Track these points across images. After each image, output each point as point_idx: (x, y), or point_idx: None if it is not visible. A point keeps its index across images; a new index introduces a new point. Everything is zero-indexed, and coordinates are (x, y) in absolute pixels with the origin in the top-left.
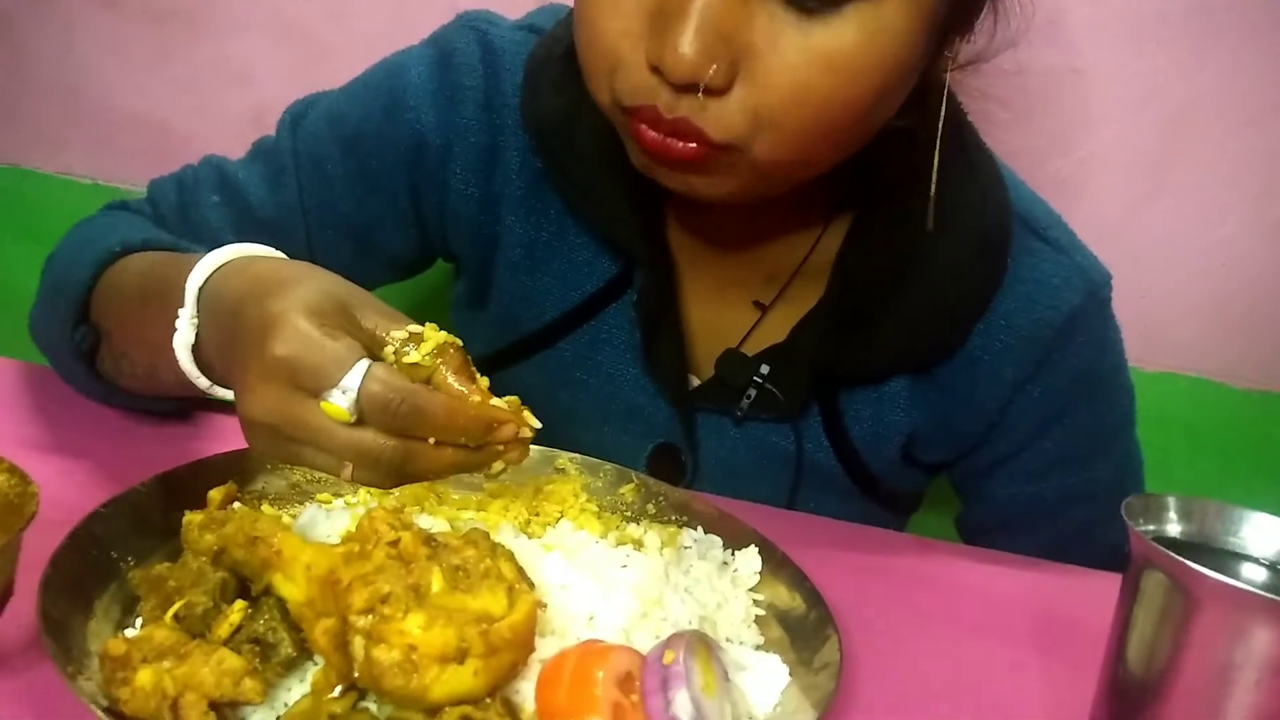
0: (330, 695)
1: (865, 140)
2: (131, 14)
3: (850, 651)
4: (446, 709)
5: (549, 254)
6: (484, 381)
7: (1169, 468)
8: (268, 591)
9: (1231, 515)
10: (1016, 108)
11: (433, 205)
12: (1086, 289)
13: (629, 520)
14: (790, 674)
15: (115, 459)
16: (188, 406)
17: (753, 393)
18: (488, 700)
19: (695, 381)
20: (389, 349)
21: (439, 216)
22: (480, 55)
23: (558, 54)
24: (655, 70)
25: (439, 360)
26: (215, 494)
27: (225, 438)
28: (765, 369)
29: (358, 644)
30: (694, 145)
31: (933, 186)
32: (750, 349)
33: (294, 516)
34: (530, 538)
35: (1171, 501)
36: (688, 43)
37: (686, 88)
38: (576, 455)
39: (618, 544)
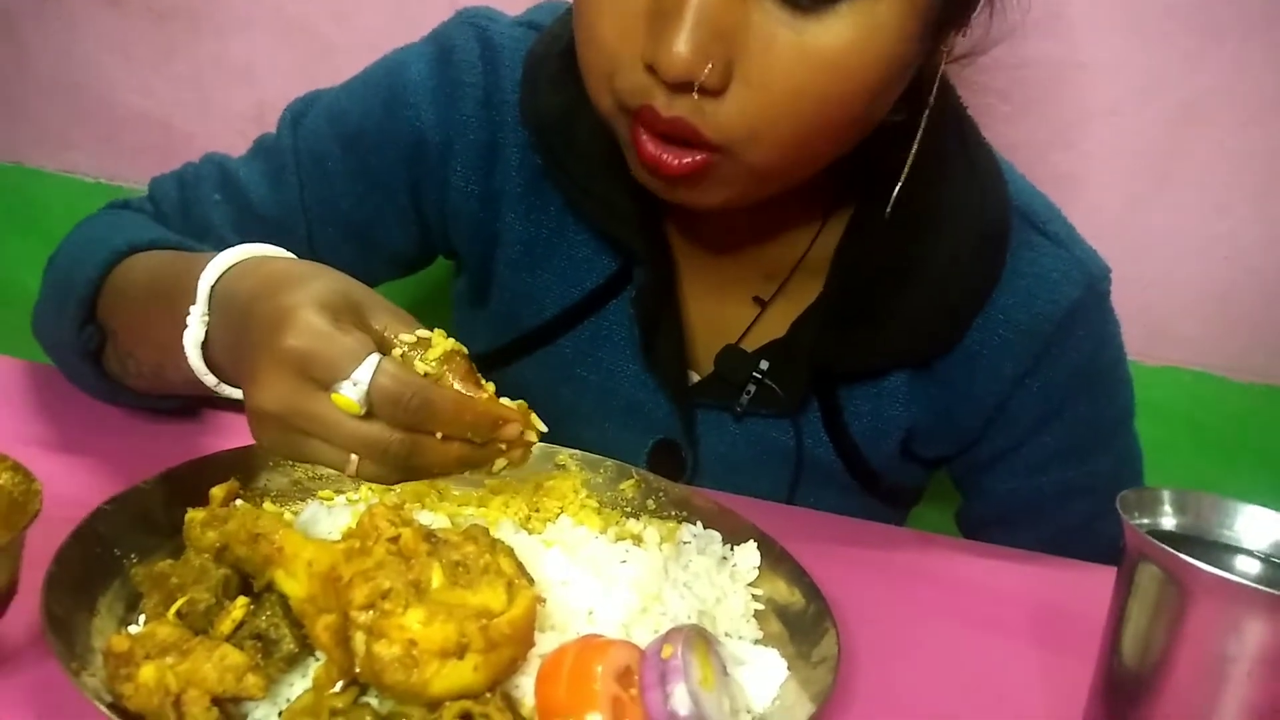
0: (332, 690)
1: (861, 136)
2: (134, 12)
3: (848, 645)
4: (447, 703)
5: (549, 250)
6: (490, 387)
7: (1171, 462)
8: (270, 588)
9: (1226, 508)
10: (1018, 101)
11: (433, 202)
12: (1085, 283)
13: (629, 516)
14: (789, 668)
15: (118, 456)
16: (192, 404)
17: (752, 388)
18: (488, 695)
19: (695, 377)
20: (396, 352)
21: (439, 213)
22: (480, 52)
23: (556, 51)
24: (651, 70)
25: (445, 367)
26: (217, 491)
27: (228, 434)
28: (765, 364)
29: (359, 639)
30: (689, 160)
31: (903, 176)
32: (750, 345)
33: (296, 513)
34: (530, 533)
35: (1166, 494)
36: (683, 42)
37: (681, 87)
38: (577, 451)
39: (617, 539)
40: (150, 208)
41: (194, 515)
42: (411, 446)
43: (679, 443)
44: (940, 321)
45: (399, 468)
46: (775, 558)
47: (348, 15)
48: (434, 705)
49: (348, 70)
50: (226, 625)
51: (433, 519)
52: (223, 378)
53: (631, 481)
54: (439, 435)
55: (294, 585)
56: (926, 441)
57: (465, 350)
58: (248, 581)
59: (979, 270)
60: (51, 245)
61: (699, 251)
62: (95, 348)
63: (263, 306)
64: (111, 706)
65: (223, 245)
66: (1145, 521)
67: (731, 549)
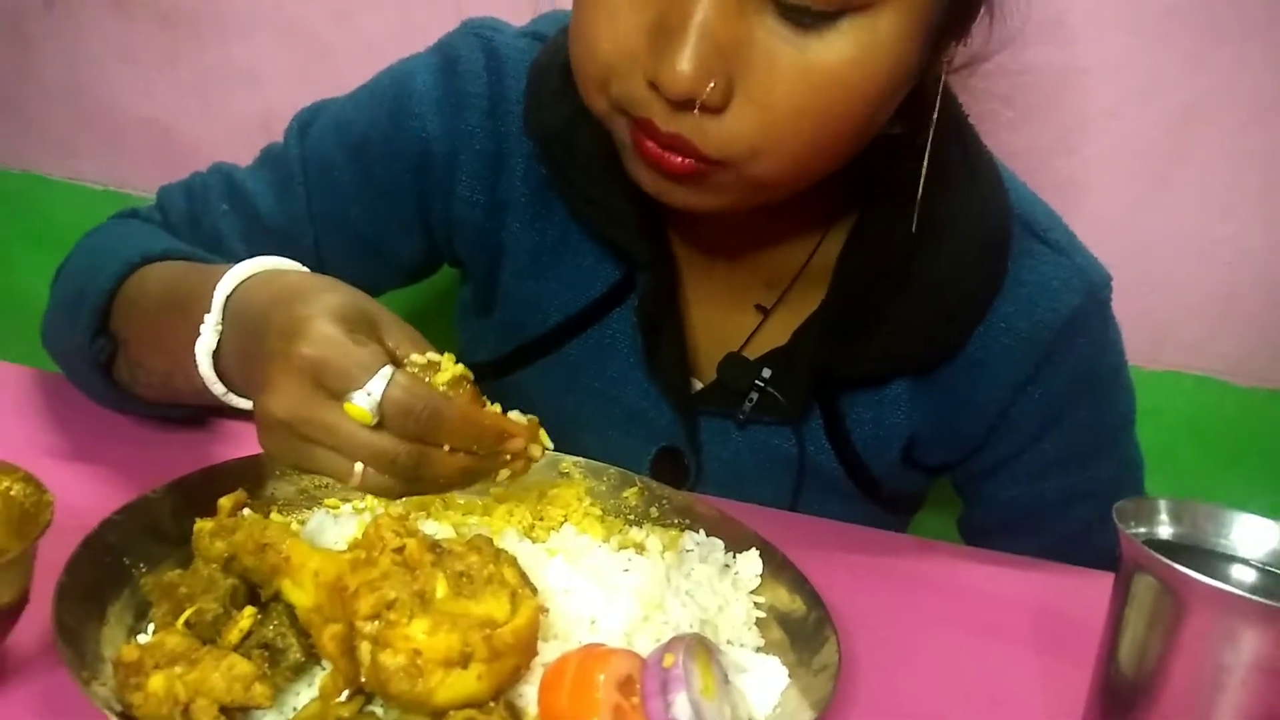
0: (338, 699)
1: (859, 149)
2: (139, 18)
3: (850, 652)
4: (451, 712)
5: (553, 259)
6: (495, 408)
7: (1175, 466)
8: (277, 598)
9: (1222, 517)
10: (1020, 107)
11: (439, 211)
12: (1086, 290)
13: (632, 524)
14: (790, 675)
15: (127, 465)
16: (200, 413)
17: (755, 396)
18: (491, 704)
19: (698, 385)
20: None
21: (445, 223)
22: (485, 63)
23: (560, 61)
24: (653, 86)
25: (454, 391)
26: (225, 501)
27: (236, 442)
28: (767, 372)
29: (364, 649)
30: (690, 160)
31: (919, 189)
32: (752, 352)
33: (302, 522)
34: (534, 542)
35: (1162, 504)
36: (685, 60)
37: (683, 104)
38: (581, 459)
39: (620, 548)
40: (158, 217)
41: (202, 525)
42: (419, 458)
43: (682, 450)
44: (942, 329)
45: (404, 479)
46: (777, 565)
47: (351, 20)
48: (438, 714)
49: (351, 75)
50: (234, 635)
51: (437, 528)
52: (231, 387)
53: (635, 489)
54: (446, 448)
55: (301, 595)
56: (928, 449)
57: (471, 376)
58: (255, 591)
59: (980, 278)
60: (59, 252)
61: (701, 259)
62: (107, 358)
63: (278, 315)
64: (121, 715)
65: (231, 255)
66: (1142, 531)
67: (734, 557)
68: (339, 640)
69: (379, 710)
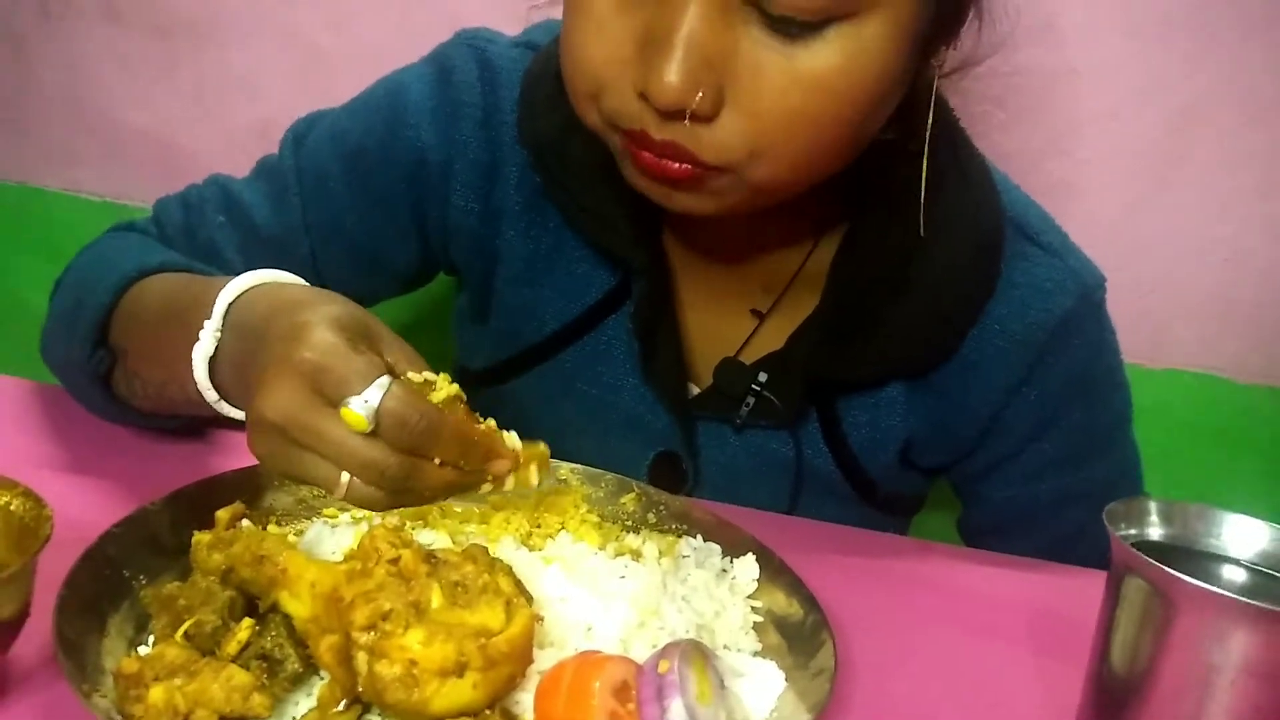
0: (336, 709)
1: (856, 154)
2: (135, 28)
3: (847, 655)
4: None
5: (549, 267)
6: (490, 424)
7: (1175, 464)
8: (274, 609)
9: (1211, 517)
10: (1014, 109)
11: (434, 220)
12: (1079, 292)
13: (630, 530)
14: (787, 679)
15: (126, 477)
16: (198, 424)
17: (751, 400)
18: (487, 712)
19: (695, 390)
20: None
21: (440, 231)
22: (478, 73)
23: (552, 70)
24: (642, 97)
25: (448, 410)
26: (223, 514)
27: (234, 453)
28: (763, 377)
29: (361, 659)
30: (688, 165)
31: (922, 194)
32: (748, 357)
33: (300, 532)
34: (531, 550)
35: (1153, 505)
36: (674, 71)
37: (674, 115)
38: (578, 466)
39: (616, 555)
40: (155, 230)
41: (200, 538)
42: (409, 470)
43: (679, 455)
44: (936, 332)
45: (391, 491)
46: (774, 570)
47: (348, 28)
48: None
49: (349, 82)
50: (233, 646)
51: (434, 537)
52: (224, 396)
53: (632, 495)
54: (437, 461)
55: (298, 606)
56: (924, 451)
57: (464, 396)
58: (253, 603)
59: (974, 281)
60: (58, 263)
61: (697, 265)
62: (105, 370)
63: (280, 322)
64: None
65: (227, 266)
66: (1132, 533)
67: (731, 561)
68: (336, 651)
69: (376, 719)
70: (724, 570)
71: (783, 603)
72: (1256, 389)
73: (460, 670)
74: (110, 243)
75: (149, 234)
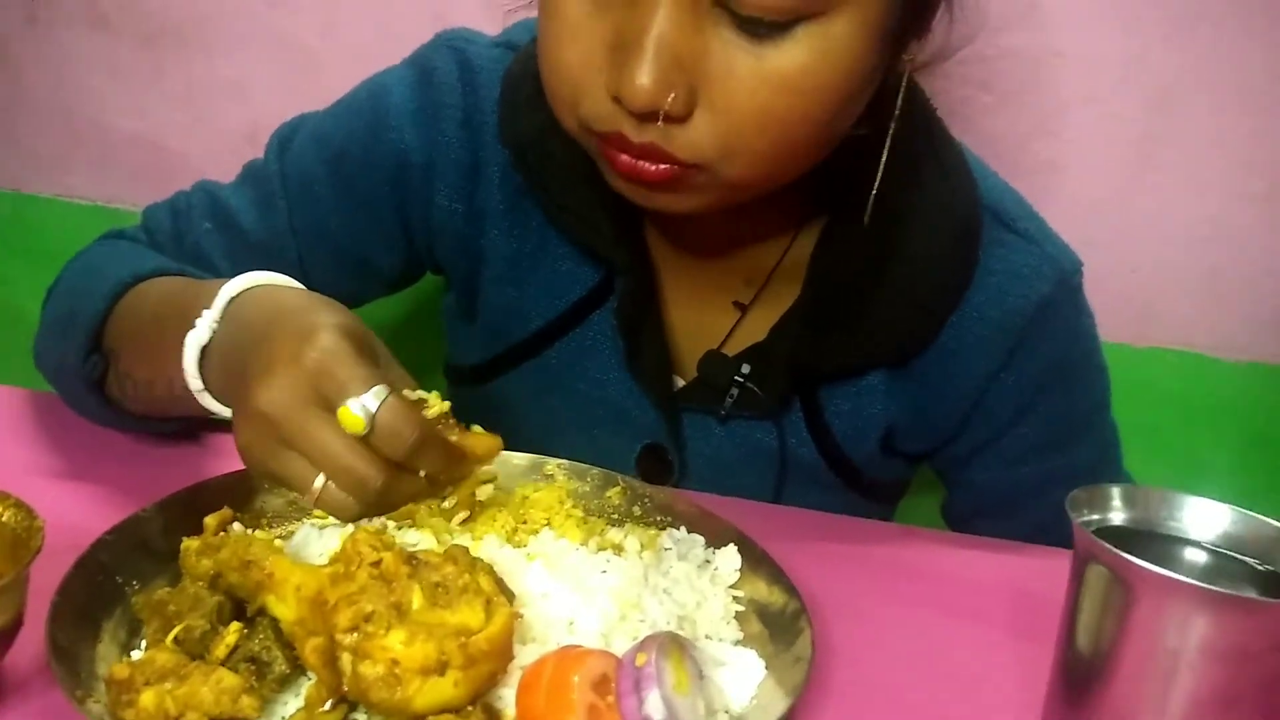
0: (323, 708)
1: (830, 149)
2: (123, 35)
3: (828, 640)
4: (430, 718)
5: (532, 265)
6: (477, 429)
7: (1162, 442)
8: (262, 612)
9: (1173, 501)
10: (999, 91)
11: (418, 221)
12: (1056, 277)
13: (615, 523)
14: (768, 666)
15: (117, 482)
16: (190, 428)
17: (735, 392)
18: (470, 708)
19: (680, 382)
20: None
21: (425, 232)
22: (459, 74)
23: (532, 70)
24: (617, 100)
25: (438, 427)
26: (211, 520)
27: (224, 458)
28: (746, 368)
29: (345, 660)
30: (665, 166)
31: (875, 186)
32: (731, 349)
33: (289, 534)
34: (516, 547)
35: (1115, 491)
36: (645, 74)
37: (647, 116)
38: (564, 461)
39: (598, 550)
40: (144, 237)
41: (189, 544)
42: (389, 481)
43: (666, 447)
44: (915, 321)
45: (363, 502)
46: (756, 559)
47: (335, 31)
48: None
49: (337, 85)
50: (221, 650)
51: (419, 537)
52: (209, 388)
53: (618, 489)
54: (421, 473)
55: (284, 609)
56: (906, 437)
57: (449, 411)
58: (241, 607)
59: (952, 270)
60: (51, 270)
61: (679, 259)
62: (99, 375)
63: (286, 322)
64: None
65: (216, 271)
66: (1095, 518)
67: (713, 552)
68: (321, 652)
69: (362, 718)
70: (707, 561)
71: (764, 591)
72: (1242, 366)
73: (441, 669)
74: (101, 251)
75: (139, 241)
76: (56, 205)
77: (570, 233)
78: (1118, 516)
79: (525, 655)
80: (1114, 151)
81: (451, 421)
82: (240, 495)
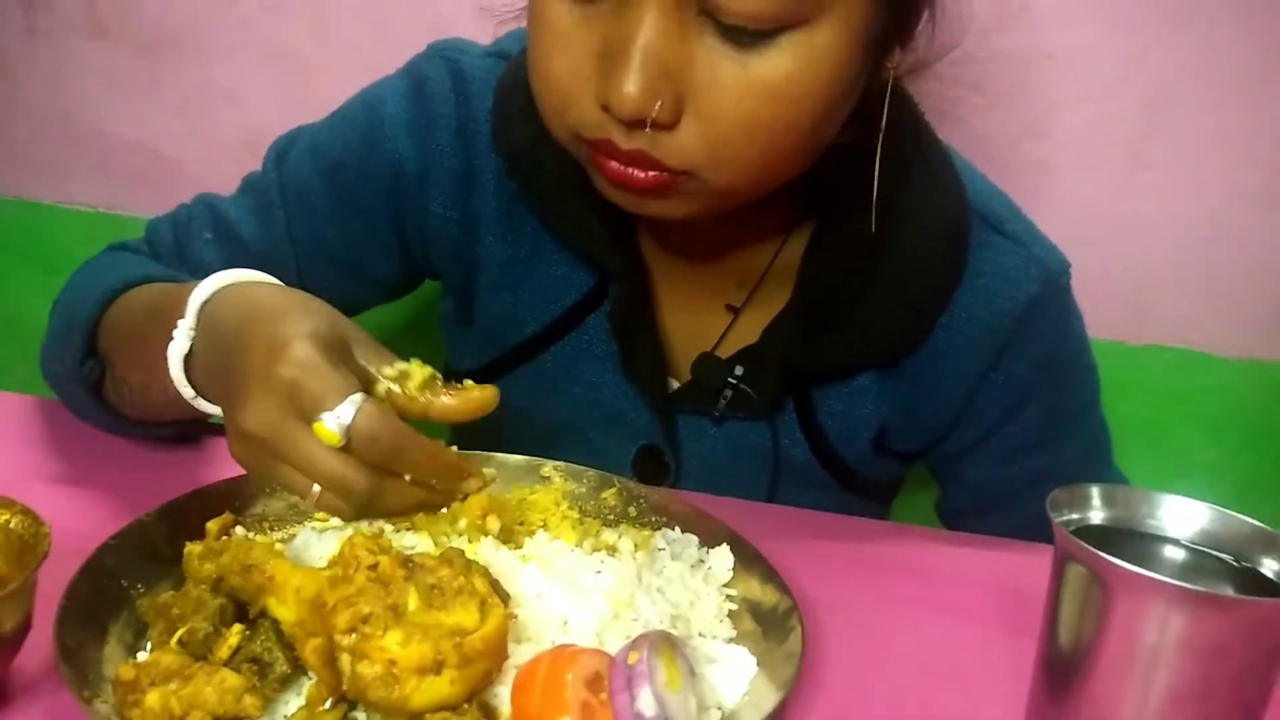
0: (323, 707)
1: (816, 155)
2: (120, 44)
3: (821, 637)
4: (427, 716)
5: (527, 271)
6: (469, 384)
7: (1159, 438)
8: (263, 614)
9: (1150, 500)
10: (990, 93)
11: (414, 230)
12: (1044, 278)
13: (611, 524)
14: (760, 663)
15: (121, 488)
16: (189, 431)
17: (729, 393)
18: (466, 706)
19: (675, 384)
20: (381, 386)
21: (421, 240)
22: (451, 84)
23: (524, 80)
24: (605, 108)
25: (428, 392)
26: (213, 525)
27: (225, 463)
28: (739, 370)
29: (344, 660)
30: (654, 174)
31: (874, 192)
32: (724, 351)
33: (290, 537)
34: (511, 549)
35: (1095, 491)
36: (631, 82)
37: (635, 124)
38: (561, 464)
39: (593, 551)
40: (147, 249)
41: (191, 549)
42: (375, 489)
43: (662, 448)
44: (905, 323)
45: (358, 506)
46: (749, 558)
47: (330, 38)
48: (415, 718)
49: (332, 92)
50: (224, 651)
51: (416, 540)
52: (200, 393)
53: (613, 490)
54: (408, 478)
55: (285, 611)
56: (897, 437)
57: (440, 375)
58: (243, 609)
59: (940, 272)
60: (53, 275)
61: (672, 263)
62: (95, 380)
63: (257, 331)
64: None
65: None
66: (1075, 518)
67: (707, 552)
68: (321, 653)
69: (361, 716)
70: (700, 561)
71: (757, 590)
72: (1237, 363)
73: (438, 668)
74: (102, 262)
75: (141, 253)
76: (57, 212)
77: (564, 238)
78: (1097, 516)
79: (520, 654)
80: (1107, 151)
81: (439, 385)
82: (241, 500)
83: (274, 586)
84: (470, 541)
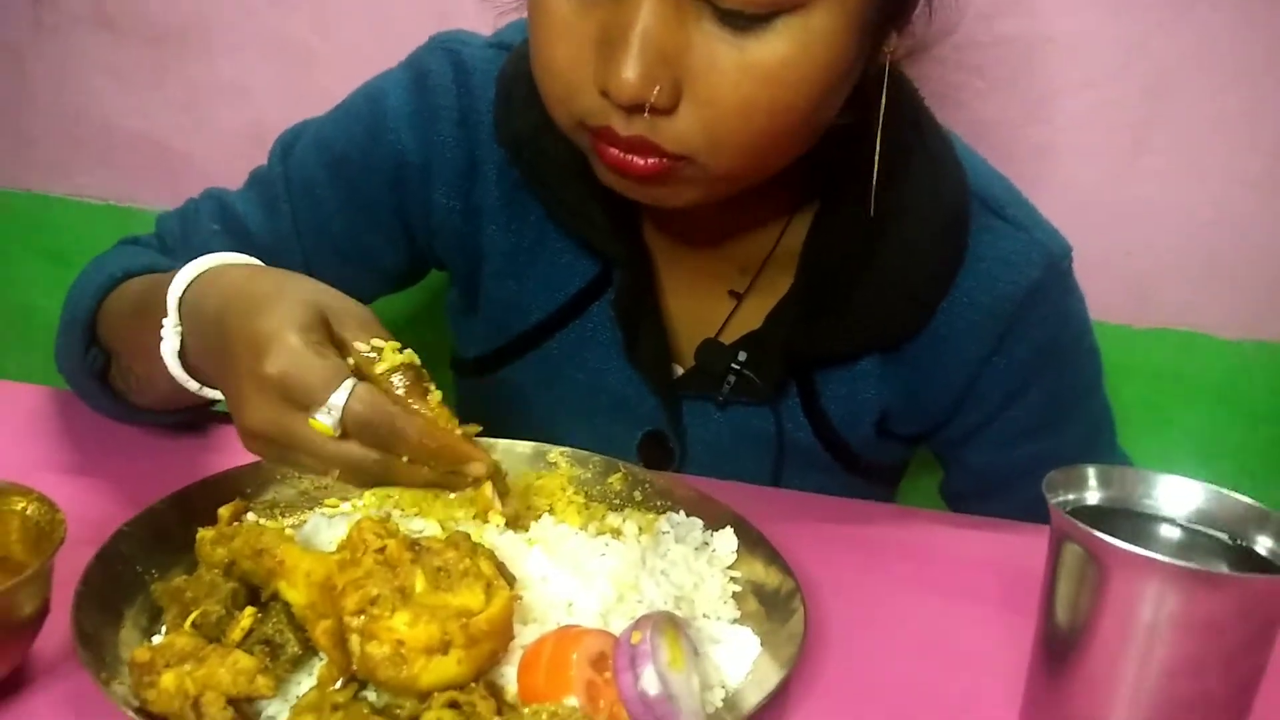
0: (334, 687)
1: (813, 140)
2: (127, 38)
3: (823, 618)
4: (435, 694)
5: (531, 259)
6: (436, 396)
7: (1164, 421)
8: (275, 597)
9: (1145, 479)
10: (993, 78)
11: (419, 221)
12: (1045, 263)
13: (616, 509)
14: (763, 644)
15: (134, 477)
16: (198, 419)
17: (732, 379)
18: (472, 685)
19: (679, 370)
20: (350, 361)
21: (425, 231)
22: (453, 75)
23: (526, 70)
24: (605, 94)
25: (394, 376)
26: (224, 511)
27: (236, 451)
28: (742, 355)
29: (354, 641)
30: (653, 161)
31: (874, 177)
32: (728, 337)
33: (300, 523)
34: (518, 532)
35: (1091, 471)
36: (630, 68)
37: (634, 109)
38: (567, 449)
39: (597, 534)
40: (156, 243)
41: (204, 534)
42: (385, 465)
43: (666, 434)
44: (906, 308)
45: (370, 476)
46: (753, 541)
47: (333, 30)
48: (424, 696)
49: (336, 84)
50: (237, 633)
51: (423, 525)
52: (202, 380)
53: (619, 475)
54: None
55: (295, 594)
56: (900, 420)
57: (417, 361)
58: (255, 592)
59: (941, 257)
60: (64, 267)
61: (675, 250)
62: (100, 369)
63: (240, 326)
64: (138, 711)
65: None
66: (1071, 498)
67: (711, 535)
68: (331, 634)
69: (371, 695)
70: (705, 543)
71: (761, 572)
72: (1241, 345)
73: (445, 648)
74: (110, 255)
75: (151, 247)
76: (67, 205)
77: (567, 227)
78: (1093, 496)
79: (526, 635)
80: (1109, 136)
81: (409, 371)
82: (253, 487)
83: (285, 570)
84: (477, 525)
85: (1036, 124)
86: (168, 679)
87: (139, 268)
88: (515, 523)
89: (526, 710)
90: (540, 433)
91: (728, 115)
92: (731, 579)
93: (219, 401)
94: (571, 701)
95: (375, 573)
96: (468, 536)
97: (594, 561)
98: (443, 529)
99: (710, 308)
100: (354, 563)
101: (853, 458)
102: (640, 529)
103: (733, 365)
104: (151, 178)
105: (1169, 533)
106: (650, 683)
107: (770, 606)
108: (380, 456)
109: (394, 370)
